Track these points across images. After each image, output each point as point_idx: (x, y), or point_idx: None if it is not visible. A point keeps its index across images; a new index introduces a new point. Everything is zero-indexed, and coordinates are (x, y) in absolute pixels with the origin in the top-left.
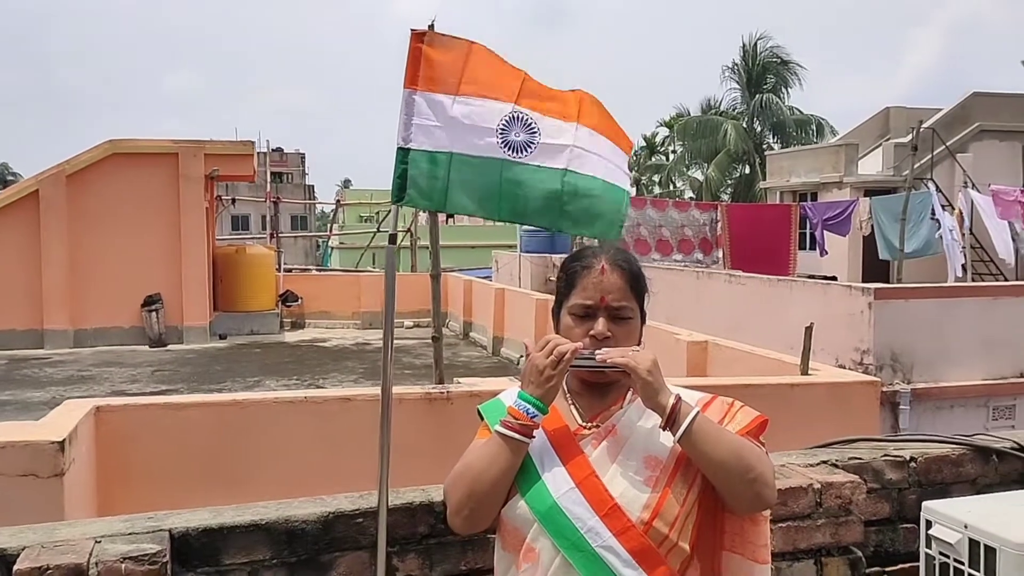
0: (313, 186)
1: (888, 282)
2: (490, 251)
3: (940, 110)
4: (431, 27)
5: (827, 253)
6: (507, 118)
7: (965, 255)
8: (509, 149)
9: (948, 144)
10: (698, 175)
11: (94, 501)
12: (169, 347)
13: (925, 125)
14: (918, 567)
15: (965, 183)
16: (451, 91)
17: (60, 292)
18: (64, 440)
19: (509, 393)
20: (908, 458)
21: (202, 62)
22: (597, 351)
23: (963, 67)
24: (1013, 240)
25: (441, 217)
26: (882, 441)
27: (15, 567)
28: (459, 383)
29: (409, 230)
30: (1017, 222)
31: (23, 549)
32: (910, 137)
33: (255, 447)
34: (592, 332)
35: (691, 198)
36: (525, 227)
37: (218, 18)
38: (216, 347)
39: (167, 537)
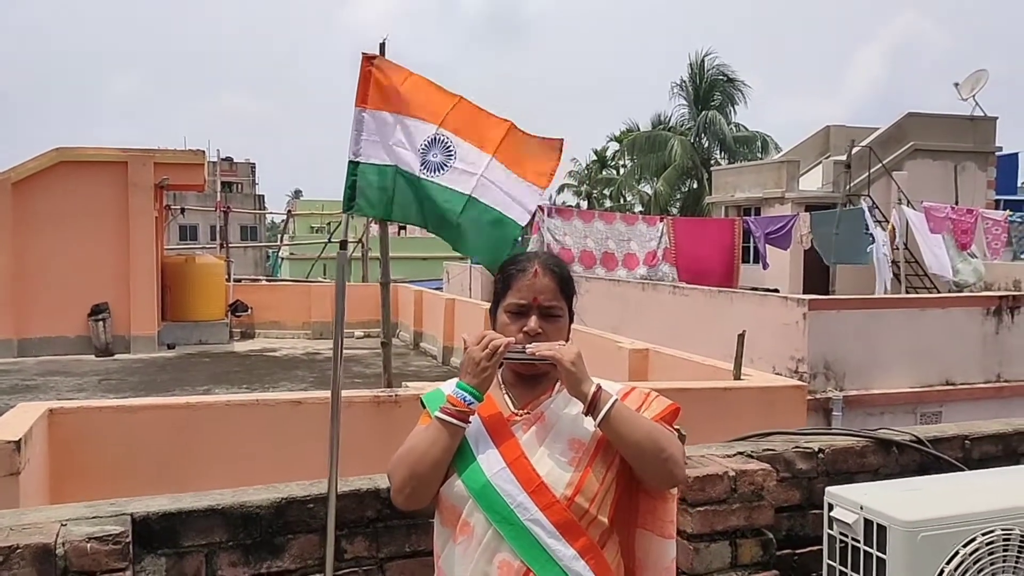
0: (263, 196)
1: (829, 294)
2: (441, 263)
3: (878, 129)
4: (382, 47)
5: (769, 266)
6: (429, 139)
7: (898, 268)
8: (425, 168)
9: (884, 162)
10: (648, 189)
11: (47, 501)
12: (116, 356)
13: (862, 144)
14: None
15: (900, 200)
16: (394, 110)
17: (4, 300)
18: (20, 440)
19: (449, 384)
20: (816, 449)
21: (148, 67)
22: (528, 345)
23: (902, 87)
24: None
25: (393, 228)
26: (794, 434)
27: None
28: (407, 387)
29: (360, 240)
30: (948, 237)
31: None
32: (845, 156)
33: (206, 449)
34: (525, 328)
35: (640, 212)
36: None
37: (164, 22)
38: (164, 356)
39: (129, 520)
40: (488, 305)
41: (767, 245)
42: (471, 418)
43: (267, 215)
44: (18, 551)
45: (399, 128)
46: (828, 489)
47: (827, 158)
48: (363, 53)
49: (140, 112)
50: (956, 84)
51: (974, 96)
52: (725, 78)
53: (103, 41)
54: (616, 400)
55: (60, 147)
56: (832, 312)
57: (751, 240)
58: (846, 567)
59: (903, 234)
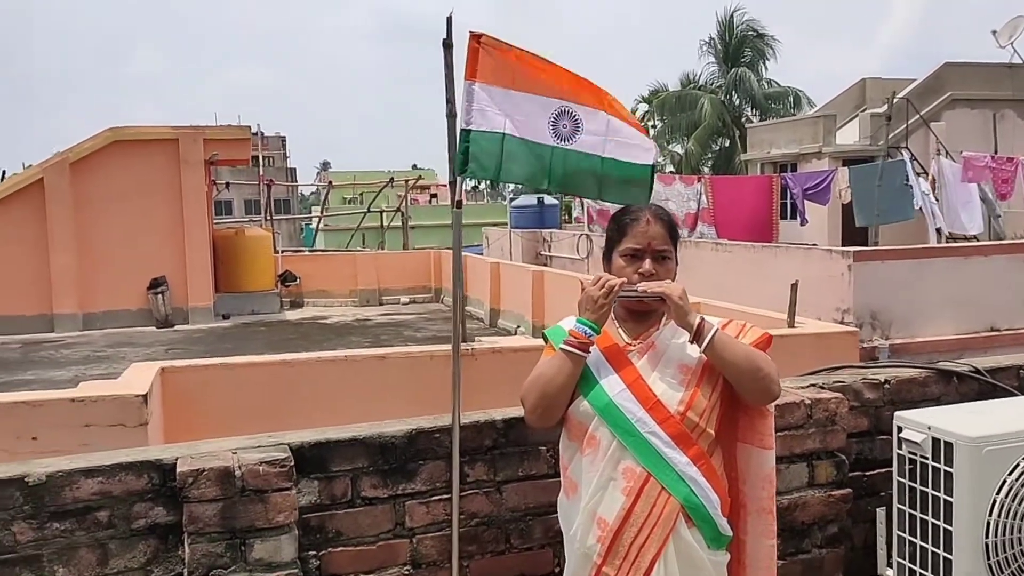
0: (295, 169)
1: (866, 247)
2: (474, 229)
3: (914, 80)
4: (449, 21)
5: (807, 222)
6: (556, 111)
7: (942, 216)
8: (558, 138)
9: (922, 113)
10: (678, 149)
11: None
12: (176, 327)
13: (900, 96)
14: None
15: (939, 150)
16: (505, 84)
17: (68, 277)
18: (147, 394)
19: (568, 320)
20: (883, 380)
21: (166, 43)
22: (639, 284)
23: (935, 36)
24: (984, 204)
25: (424, 197)
26: (860, 368)
27: (178, 469)
28: (481, 341)
29: (399, 209)
30: (988, 187)
31: (176, 459)
32: (885, 108)
33: (302, 401)
34: (640, 270)
35: (671, 172)
36: (515, 204)
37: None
38: (221, 327)
39: (287, 448)
40: (534, 267)
41: (805, 201)
42: (591, 349)
43: (300, 187)
44: (204, 473)
45: (511, 102)
46: (897, 413)
47: (863, 111)
48: (470, 32)
49: (162, 89)
50: (994, 32)
51: (1012, 43)
52: (755, 33)
53: (114, 19)
54: (717, 329)
55: (114, 127)
56: (877, 263)
57: (787, 196)
58: (915, 483)
59: (941, 185)
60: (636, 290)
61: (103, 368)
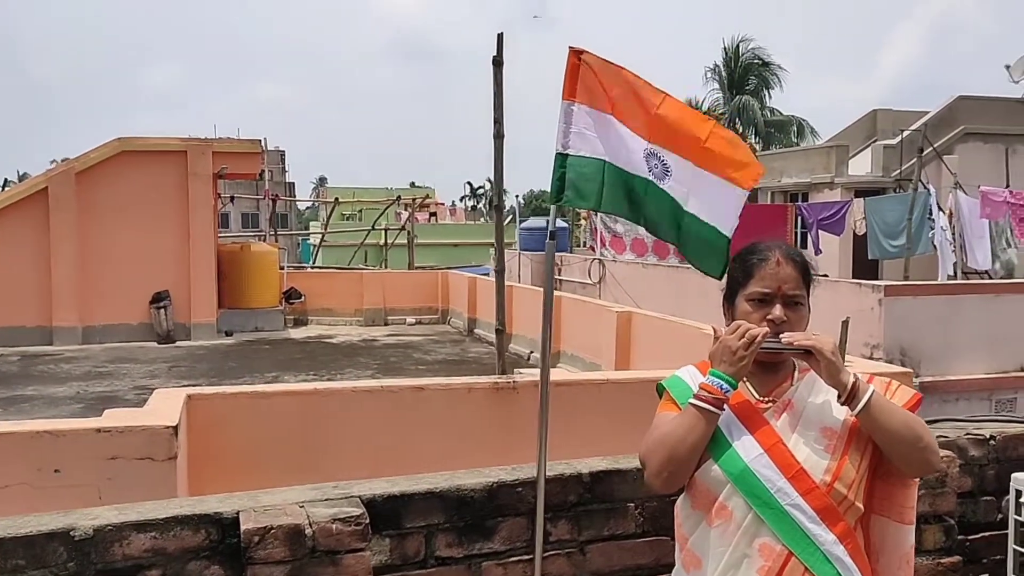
0: (294, 183)
1: (877, 280)
2: (471, 250)
3: (925, 112)
4: (500, 39)
5: (822, 252)
6: (646, 151)
7: (955, 254)
8: (652, 175)
9: (935, 146)
10: None
11: (190, 485)
12: (178, 344)
13: (913, 128)
14: (998, 535)
15: (956, 184)
16: (605, 109)
17: (69, 289)
18: (177, 425)
19: (686, 370)
20: (988, 436)
21: (171, 57)
22: (782, 335)
23: (941, 69)
24: (1003, 243)
25: (423, 216)
26: (961, 421)
27: (242, 527)
28: (522, 373)
29: (404, 227)
30: (1007, 226)
31: (237, 513)
32: (898, 139)
33: (334, 433)
34: (770, 317)
35: None
36: (524, 226)
37: (175, 11)
38: (225, 343)
39: (359, 501)
40: (540, 289)
41: (819, 231)
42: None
43: (300, 202)
44: (272, 531)
45: (611, 130)
46: (1015, 476)
47: (875, 142)
48: (570, 47)
49: (167, 102)
50: (1007, 66)
51: None
52: (760, 62)
53: (122, 31)
54: (874, 390)
55: (122, 136)
56: (908, 298)
57: (798, 225)
58: None
59: (957, 220)
60: (780, 341)
61: (105, 385)
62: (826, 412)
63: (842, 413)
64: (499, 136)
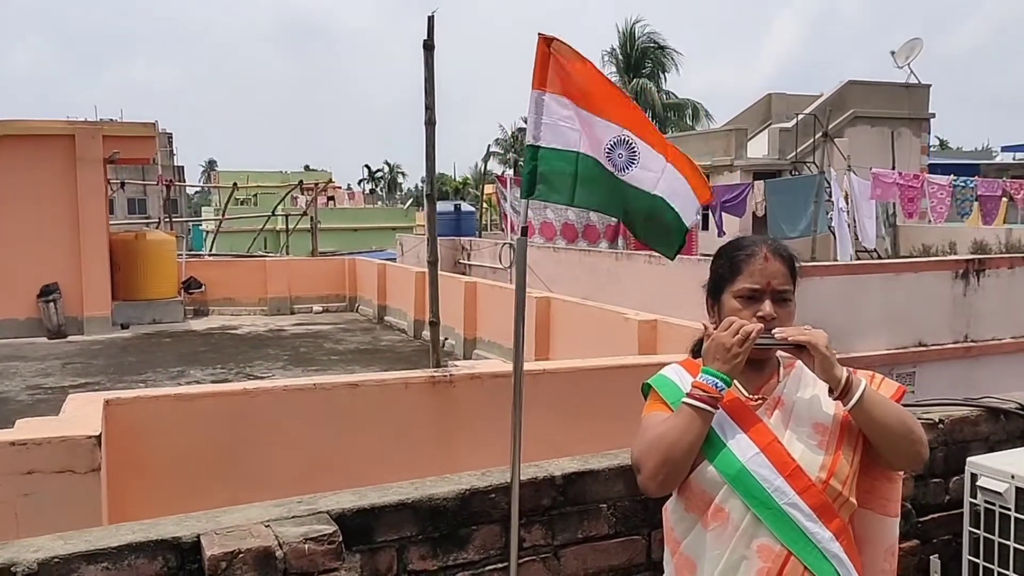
0: (183, 167)
1: None
2: (372, 234)
3: (817, 96)
4: (430, 20)
5: (725, 233)
6: (615, 139)
7: (854, 234)
8: (612, 165)
9: (826, 129)
10: None
11: (112, 496)
12: (70, 338)
13: (806, 112)
14: (946, 516)
15: (849, 167)
16: (575, 99)
17: None
18: (100, 434)
19: (672, 369)
20: (937, 420)
21: (43, 36)
22: (774, 330)
23: (823, 55)
24: (883, 223)
25: (321, 200)
26: (911, 406)
27: (206, 552)
28: (456, 366)
29: (306, 212)
30: (890, 205)
31: (198, 536)
32: (793, 123)
33: (266, 435)
34: (760, 313)
35: None
36: None
37: None
38: (122, 337)
39: (328, 517)
40: (466, 278)
41: (723, 213)
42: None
43: (192, 187)
44: (240, 555)
45: (579, 119)
46: (971, 460)
47: (770, 125)
48: (540, 34)
49: (41, 83)
50: (892, 52)
51: (909, 64)
52: (655, 45)
53: None
54: (866, 384)
55: (1, 120)
56: (816, 278)
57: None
58: (992, 534)
59: (851, 201)
60: (774, 337)
61: None
62: (816, 407)
63: (831, 408)
64: (430, 123)
